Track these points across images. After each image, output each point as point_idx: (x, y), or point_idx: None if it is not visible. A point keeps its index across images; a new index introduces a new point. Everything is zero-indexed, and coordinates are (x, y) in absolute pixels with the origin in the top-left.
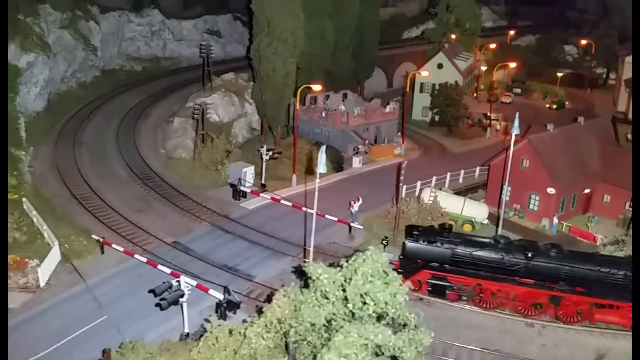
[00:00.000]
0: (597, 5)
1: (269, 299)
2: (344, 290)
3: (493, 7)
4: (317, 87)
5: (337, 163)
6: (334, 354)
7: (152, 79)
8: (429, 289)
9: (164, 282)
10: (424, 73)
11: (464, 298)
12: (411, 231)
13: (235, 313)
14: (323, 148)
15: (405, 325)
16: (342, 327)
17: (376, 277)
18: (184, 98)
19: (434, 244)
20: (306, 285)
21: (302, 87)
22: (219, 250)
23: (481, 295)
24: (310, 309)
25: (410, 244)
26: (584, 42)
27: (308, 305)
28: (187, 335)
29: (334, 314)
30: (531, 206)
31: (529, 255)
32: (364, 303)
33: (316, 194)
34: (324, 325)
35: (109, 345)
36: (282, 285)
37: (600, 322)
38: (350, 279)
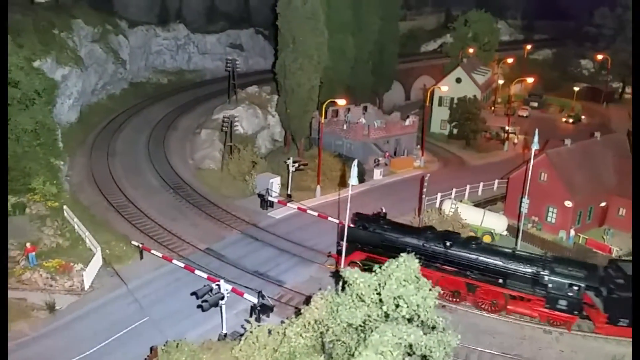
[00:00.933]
0: (613, 20)
1: (306, 302)
2: (378, 293)
3: (510, 21)
4: (341, 102)
5: (359, 175)
6: (371, 351)
7: (178, 91)
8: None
9: (205, 286)
10: (444, 88)
11: None
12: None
13: (268, 316)
14: (355, 162)
15: (433, 327)
16: (377, 327)
17: (409, 281)
18: (209, 110)
19: (367, 229)
20: (342, 289)
21: (327, 102)
22: (249, 257)
23: None
24: (347, 310)
25: (342, 227)
26: (600, 56)
27: (345, 307)
28: (225, 335)
29: (369, 316)
30: (549, 218)
31: (448, 244)
32: (397, 305)
33: (348, 204)
34: (360, 326)
35: (152, 345)
36: (320, 289)
37: (513, 313)
38: (385, 283)
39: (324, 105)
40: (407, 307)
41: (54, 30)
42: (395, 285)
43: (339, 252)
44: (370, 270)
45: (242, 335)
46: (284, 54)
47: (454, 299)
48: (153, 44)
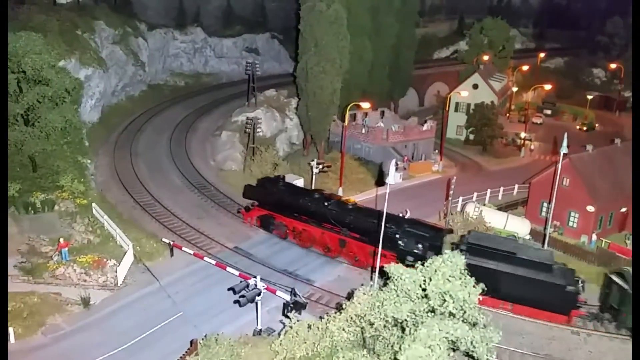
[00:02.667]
0: (626, 30)
1: (348, 297)
2: (424, 289)
3: (522, 29)
4: (366, 105)
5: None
6: (419, 345)
7: (195, 94)
8: (260, 222)
9: (241, 281)
10: (464, 93)
11: (286, 234)
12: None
13: (300, 313)
14: (393, 162)
15: (474, 324)
16: (422, 322)
17: (455, 277)
18: (228, 113)
19: (266, 188)
20: (384, 284)
21: (350, 105)
22: (277, 256)
23: (294, 232)
24: (392, 305)
25: (246, 186)
26: (613, 65)
27: (390, 302)
28: (260, 331)
29: (413, 311)
30: (570, 223)
31: (326, 204)
32: (444, 301)
33: (386, 203)
34: (404, 320)
35: (187, 339)
36: (362, 284)
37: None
38: (430, 279)
39: (348, 109)
40: (454, 302)
41: (77, 31)
42: (442, 280)
43: (246, 209)
44: (268, 228)
45: (275, 331)
46: (305, 57)
47: (328, 253)
48: (171, 46)
